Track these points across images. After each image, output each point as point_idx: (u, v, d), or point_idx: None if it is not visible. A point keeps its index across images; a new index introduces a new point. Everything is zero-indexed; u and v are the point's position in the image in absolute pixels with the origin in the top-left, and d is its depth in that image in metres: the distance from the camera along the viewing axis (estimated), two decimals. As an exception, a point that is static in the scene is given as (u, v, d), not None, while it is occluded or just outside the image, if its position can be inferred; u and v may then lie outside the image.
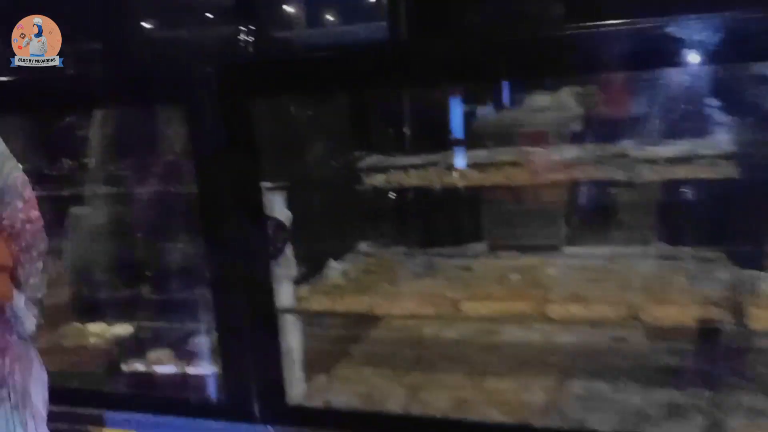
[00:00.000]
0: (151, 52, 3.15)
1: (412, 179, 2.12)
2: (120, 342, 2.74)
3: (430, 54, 1.82)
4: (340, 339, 2.58)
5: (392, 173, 2.18)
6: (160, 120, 2.51)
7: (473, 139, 2.61)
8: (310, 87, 2.05)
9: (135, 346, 2.67)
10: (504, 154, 2.21)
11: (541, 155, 2.10)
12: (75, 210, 2.77)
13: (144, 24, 3.32)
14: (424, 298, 2.14)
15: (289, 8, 3.22)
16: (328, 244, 2.64)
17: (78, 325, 2.91)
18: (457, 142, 2.65)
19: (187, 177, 2.22)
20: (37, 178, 2.74)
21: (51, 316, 2.69)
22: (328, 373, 2.37)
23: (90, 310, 2.85)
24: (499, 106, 2.84)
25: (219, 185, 2.10)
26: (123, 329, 2.85)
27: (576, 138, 2.49)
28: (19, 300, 1.78)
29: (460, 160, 2.31)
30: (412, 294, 2.18)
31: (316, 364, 2.36)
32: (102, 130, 2.69)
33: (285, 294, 2.22)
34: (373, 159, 2.33)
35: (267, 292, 2.13)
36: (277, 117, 2.34)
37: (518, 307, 2.00)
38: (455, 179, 2.08)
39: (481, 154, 2.25)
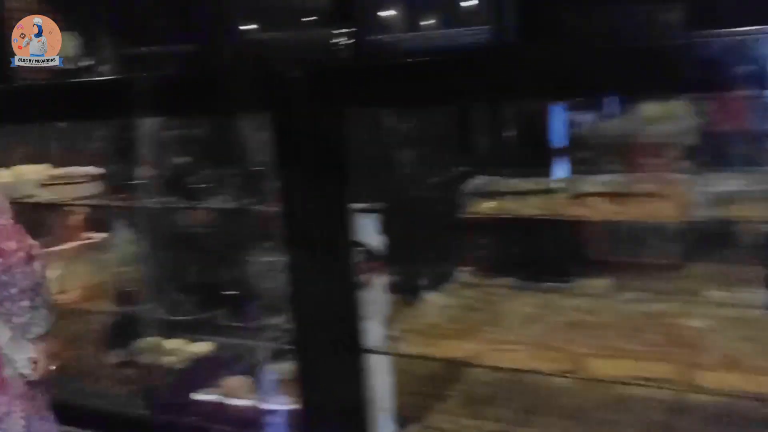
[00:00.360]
0: (239, 55, 2.98)
1: (531, 209, 1.77)
2: (195, 363, 2.55)
3: (540, 60, 1.59)
4: (435, 378, 2.28)
5: (505, 200, 1.84)
6: (242, 130, 2.29)
7: (582, 150, 2.30)
8: (409, 95, 1.81)
9: (210, 370, 2.46)
10: (638, 180, 1.83)
11: (686, 184, 1.71)
12: (148, 221, 2.60)
13: (234, 26, 3.16)
14: (539, 348, 1.80)
15: (389, 11, 3.00)
16: (423, 271, 2.35)
17: (157, 338, 2.76)
18: (562, 152, 2.31)
19: (269, 194, 2.00)
20: (112, 187, 2.62)
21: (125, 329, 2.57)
22: (420, 421, 2.09)
23: (166, 326, 2.67)
24: (607, 115, 2.49)
25: (304, 203, 1.93)
26: (201, 347, 2.67)
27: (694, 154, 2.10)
28: (2, 338, 1.67)
29: (582, 184, 1.95)
30: (523, 341, 1.85)
31: (406, 407, 2.10)
32: (177, 139, 2.52)
33: (373, 331, 1.96)
34: (478, 181, 1.99)
35: (352, 328, 1.90)
36: (371, 129, 2.09)
37: (660, 370, 1.63)
38: (584, 211, 1.71)
39: (609, 180, 1.89)
